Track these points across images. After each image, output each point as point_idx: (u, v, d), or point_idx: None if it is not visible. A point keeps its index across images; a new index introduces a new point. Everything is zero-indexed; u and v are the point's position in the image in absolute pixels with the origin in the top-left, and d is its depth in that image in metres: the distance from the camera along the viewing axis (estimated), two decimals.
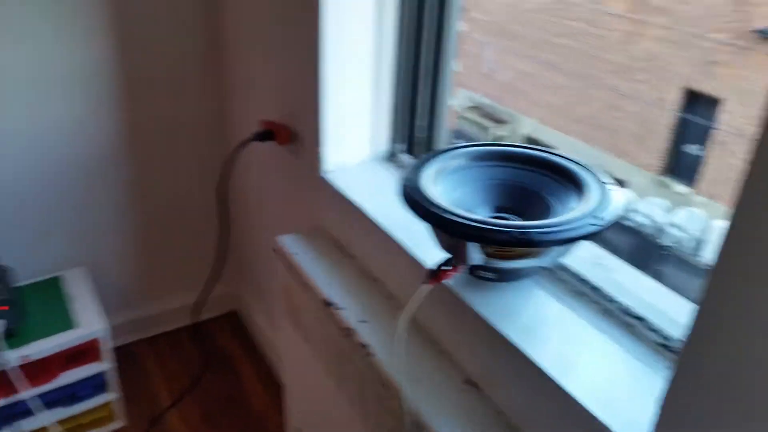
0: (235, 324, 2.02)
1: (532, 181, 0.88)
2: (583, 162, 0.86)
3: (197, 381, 1.62)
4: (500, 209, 0.88)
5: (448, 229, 0.76)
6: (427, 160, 0.89)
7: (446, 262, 0.83)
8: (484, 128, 10.28)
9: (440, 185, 0.85)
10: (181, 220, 1.86)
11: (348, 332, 0.98)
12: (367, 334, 0.97)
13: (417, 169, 0.86)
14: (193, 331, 1.90)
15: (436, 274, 0.82)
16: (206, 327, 1.99)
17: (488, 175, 0.90)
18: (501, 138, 9.84)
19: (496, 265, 0.83)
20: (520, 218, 0.86)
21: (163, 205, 1.82)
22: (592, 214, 0.74)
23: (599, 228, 0.73)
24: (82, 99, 1.58)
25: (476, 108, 10.53)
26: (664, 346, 0.75)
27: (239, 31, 1.52)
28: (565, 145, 9.69)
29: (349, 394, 1.03)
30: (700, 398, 0.56)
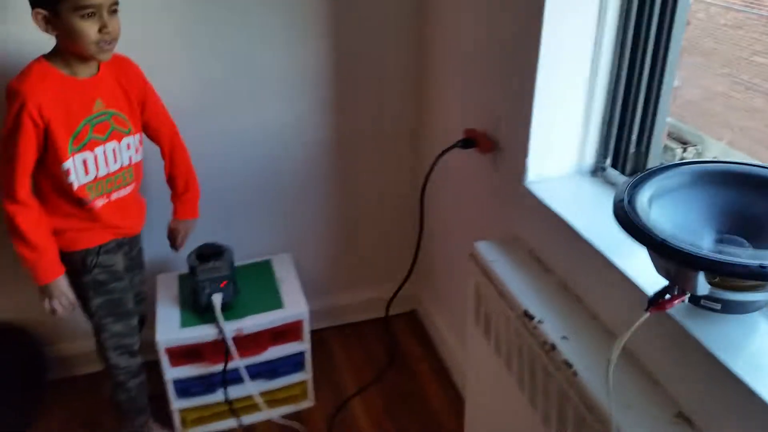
0: (414, 323, 2.10)
1: (762, 205, 0.81)
2: None
3: (382, 374, 1.69)
4: (726, 234, 0.82)
5: (672, 257, 0.72)
6: (644, 178, 0.85)
7: (666, 289, 0.79)
8: (668, 149, 9.58)
9: (658, 206, 0.81)
10: (380, 220, 1.98)
11: (550, 347, 0.98)
12: (570, 351, 0.95)
13: (632, 187, 0.83)
14: (379, 326, 1.98)
15: (659, 303, 0.78)
16: (389, 323, 2.07)
17: (712, 196, 0.84)
18: (684, 159, 9.11)
19: (722, 296, 0.78)
20: (749, 245, 0.80)
21: (364, 204, 1.94)
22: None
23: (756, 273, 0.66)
24: (303, 100, 1.74)
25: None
26: None
27: (449, 39, 1.57)
28: None
29: (544, 412, 1.02)
30: None
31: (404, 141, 1.88)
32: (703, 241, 0.77)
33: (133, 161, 1.39)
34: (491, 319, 1.19)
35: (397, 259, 1.81)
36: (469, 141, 1.36)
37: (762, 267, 0.68)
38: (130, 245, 1.50)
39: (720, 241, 0.81)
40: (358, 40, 1.71)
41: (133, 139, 1.37)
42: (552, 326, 1.01)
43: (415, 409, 1.76)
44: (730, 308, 0.81)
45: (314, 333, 1.89)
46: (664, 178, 0.85)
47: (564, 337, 0.98)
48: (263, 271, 1.77)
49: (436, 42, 1.66)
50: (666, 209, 0.82)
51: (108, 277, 1.41)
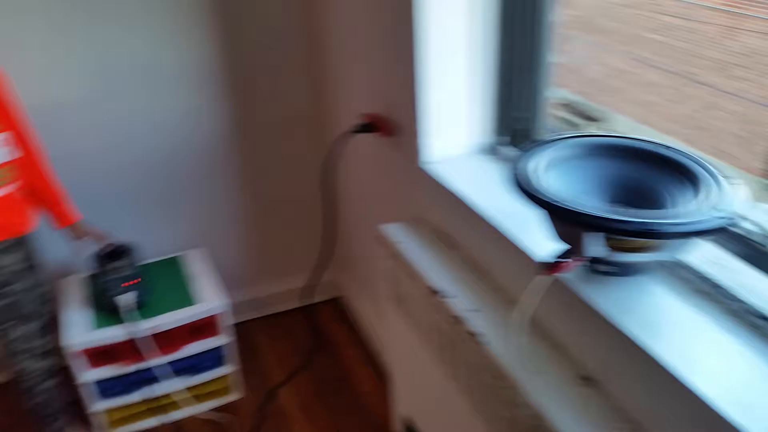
0: (339, 309, 2.11)
1: (646, 175, 0.86)
2: (698, 157, 0.85)
3: (308, 361, 1.70)
4: (613, 201, 0.87)
5: (570, 218, 0.76)
6: (535, 150, 0.89)
7: (564, 254, 0.82)
8: (576, 126, 10.02)
9: (552, 175, 0.85)
10: (290, 208, 1.96)
11: (457, 320, 1.00)
12: (477, 322, 0.98)
13: (526, 158, 0.87)
14: (303, 314, 1.98)
15: (553, 266, 0.81)
16: (314, 310, 2.08)
17: (601, 167, 0.89)
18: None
19: (615, 258, 0.83)
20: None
21: (272, 194, 1.92)
22: (714, 208, 0.72)
23: (726, 222, 0.71)
24: (192, 93, 1.71)
25: (566, 105, 10.29)
26: None
27: (338, 28, 1.58)
28: None
29: (458, 382, 1.05)
30: None
31: (308, 128, 1.87)
32: (598, 205, 0.81)
33: (9, 159, 1.31)
34: (405, 299, 1.21)
35: (317, 248, 1.82)
36: (368, 125, 1.37)
37: (650, 224, 0.72)
38: (23, 245, 1.41)
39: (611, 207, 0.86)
40: (248, 27, 1.68)
41: (2, 138, 1.30)
42: (458, 300, 1.04)
43: (344, 393, 1.78)
44: (622, 271, 0.86)
45: (238, 325, 1.87)
46: (556, 150, 0.89)
47: (471, 310, 1.01)
48: (175, 267, 1.73)
49: (330, 28, 1.65)
50: (558, 178, 0.85)
51: (3, 280, 1.34)
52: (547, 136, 0.95)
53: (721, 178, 0.81)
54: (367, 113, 1.42)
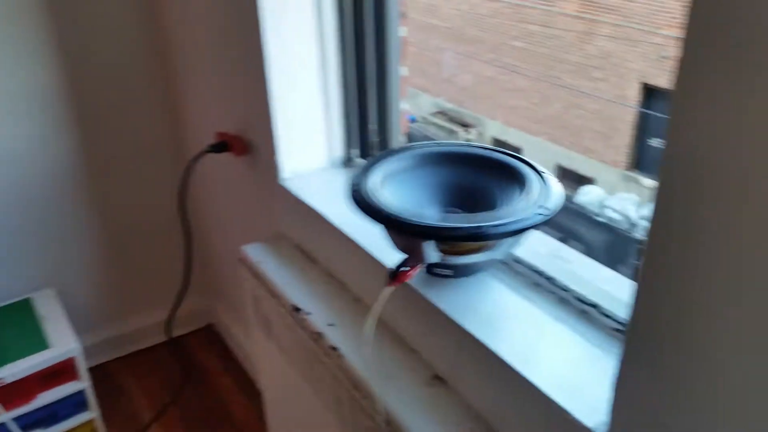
0: (211, 337, 2.03)
1: (477, 179, 0.90)
2: (522, 156, 0.90)
3: (177, 395, 1.62)
4: (449, 207, 0.90)
5: (402, 229, 0.78)
6: (373, 163, 0.91)
7: (404, 263, 0.84)
8: (452, 132, 10.41)
9: (388, 187, 0.87)
10: (147, 237, 1.86)
11: (317, 336, 1.00)
12: (336, 336, 0.98)
13: (364, 172, 0.88)
14: (171, 347, 1.89)
15: (396, 276, 0.84)
16: (183, 342, 1.99)
17: (435, 175, 0.92)
18: (469, 141, 9.99)
19: (451, 262, 0.86)
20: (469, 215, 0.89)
21: (126, 223, 1.82)
22: (537, 205, 0.77)
23: (546, 217, 0.76)
24: (33, 122, 1.59)
25: (442, 113, 10.66)
26: (619, 330, 0.78)
27: (185, 47, 1.53)
28: (530, 145, 9.83)
29: (325, 398, 1.05)
30: (647, 377, 0.59)
31: (161, 152, 1.79)
32: (428, 214, 0.84)
33: None
34: (269, 319, 1.19)
35: (179, 276, 1.74)
36: (221, 145, 1.34)
37: (473, 227, 0.76)
38: None
39: (444, 213, 0.89)
40: (91, 47, 1.59)
41: None
42: (319, 315, 1.03)
43: (218, 425, 1.71)
44: (460, 272, 0.89)
45: (100, 367, 1.75)
46: (392, 162, 0.91)
47: (331, 324, 1.01)
48: (23, 310, 1.59)
49: (179, 45, 1.60)
50: (395, 190, 0.88)
51: None
52: (390, 149, 0.98)
53: (546, 176, 0.86)
54: (220, 132, 1.38)
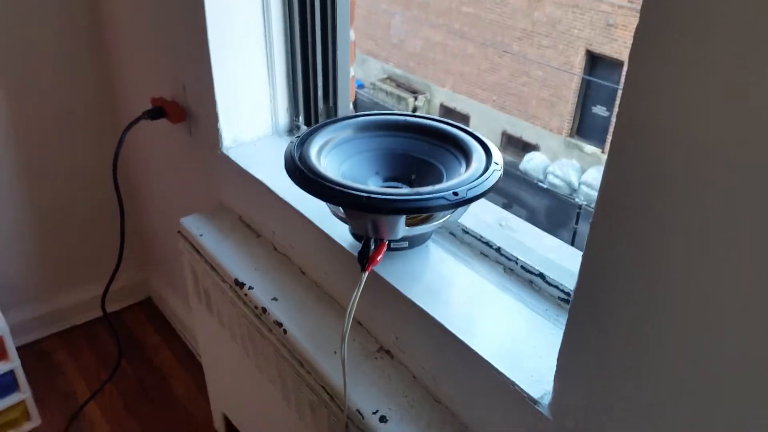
0: (150, 311, 1.96)
1: (422, 150, 0.88)
2: (469, 129, 0.87)
3: (114, 371, 1.56)
4: (393, 179, 0.88)
5: (374, 208, 0.73)
6: (312, 132, 0.86)
7: (367, 243, 0.79)
8: (401, 99, 10.36)
9: (327, 158, 0.83)
10: (81, 210, 1.76)
11: (260, 311, 0.97)
12: (280, 311, 0.95)
13: (302, 142, 0.84)
14: (109, 322, 1.81)
15: (369, 259, 0.78)
16: (120, 316, 1.92)
17: (377, 145, 0.89)
18: (417, 107, 9.96)
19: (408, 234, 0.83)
20: (409, 187, 0.86)
21: (58, 196, 1.71)
22: (454, 189, 0.74)
23: (449, 203, 0.73)
24: None
25: (390, 79, 10.58)
26: (565, 300, 0.78)
27: (120, 7, 1.43)
28: (477, 112, 9.93)
29: (268, 372, 1.02)
30: (592, 347, 0.59)
31: (93, 120, 1.67)
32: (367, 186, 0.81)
33: None
34: (209, 293, 1.15)
35: (115, 249, 1.66)
36: (156, 111, 1.26)
37: (369, 198, 0.72)
38: None
39: (385, 186, 0.86)
40: (9, 4, 1.45)
41: None
42: (262, 290, 1.00)
43: (159, 399, 1.67)
44: (414, 242, 0.88)
45: (32, 345, 1.67)
46: (330, 132, 0.87)
47: (274, 299, 0.98)
48: None
49: (112, 7, 1.50)
50: (334, 160, 0.84)
51: None
52: (330, 118, 0.93)
53: (490, 146, 0.84)
54: (155, 98, 1.31)
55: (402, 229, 0.79)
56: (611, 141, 0.50)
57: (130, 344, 1.83)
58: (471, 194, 0.74)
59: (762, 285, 0.44)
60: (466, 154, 0.83)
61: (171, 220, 1.56)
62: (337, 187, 0.74)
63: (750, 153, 0.42)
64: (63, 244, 1.78)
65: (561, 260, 0.83)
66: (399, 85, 10.42)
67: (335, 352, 0.87)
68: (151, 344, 1.84)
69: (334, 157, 0.84)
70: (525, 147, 9.06)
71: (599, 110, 8.52)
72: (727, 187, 0.44)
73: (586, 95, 8.60)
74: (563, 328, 0.62)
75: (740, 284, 0.45)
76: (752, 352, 0.46)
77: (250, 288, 1.00)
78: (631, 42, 0.46)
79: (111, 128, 1.69)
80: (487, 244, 0.88)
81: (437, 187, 0.76)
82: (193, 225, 1.16)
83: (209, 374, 1.41)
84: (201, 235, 1.14)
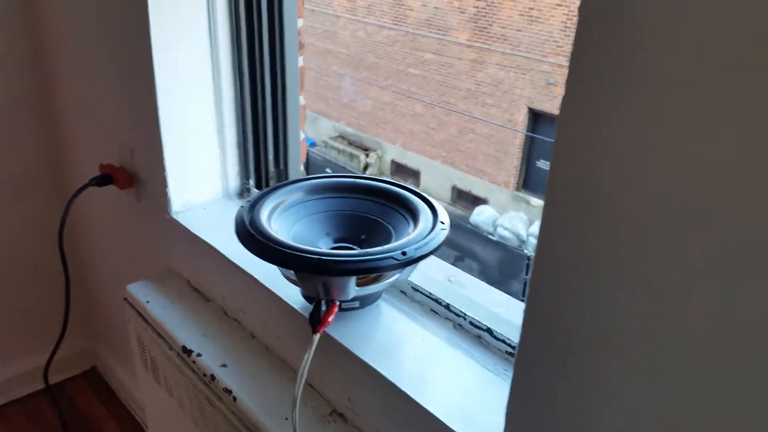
0: (94, 381, 1.88)
1: (371, 210, 0.90)
2: (417, 190, 0.90)
3: None
4: (343, 239, 0.89)
5: (324, 269, 0.74)
6: (263, 196, 0.88)
7: (318, 305, 0.80)
8: (353, 156, 10.50)
9: (278, 221, 0.84)
10: (23, 278, 1.70)
11: (210, 378, 0.95)
12: (229, 378, 0.94)
13: (252, 206, 0.85)
14: (52, 394, 1.72)
15: (321, 321, 0.79)
16: (63, 388, 1.82)
17: (327, 207, 0.91)
18: (369, 164, 10.11)
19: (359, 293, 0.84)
20: (359, 248, 0.88)
21: (2, 263, 1.66)
22: (402, 248, 0.76)
23: (398, 263, 0.75)
24: None
25: (342, 137, 10.74)
26: (511, 353, 0.80)
27: (67, 72, 1.44)
28: (428, 168, 10.12)
29: None
30: (536, 400, 0.60)
31: (40, 186, 1.64)
32: (318, 248, 0.82)
33: None
34: (156, 362, 1.12)
35: (58, 318, 1.60)
36: (105, 177, 1.25)
37: (320, 261, 0.74)
38: None
39: (335, 247, 0.88)
40: None
41: None
42: (211, 356, 0.98)
43: None
44: (365, 302, 0.88)
45: None
46: (281, 194, 0.89)
47: (223, 365, 0.96)
48: None
49: (57, 72, 1.50)
50: (284, 223, 0.85)
51: None
52: (281, 182, 0.95)
53: (436, 206, 0.87)
54: (103, 164, 1.30)
55: (353, 289, 0.80)
56: (546, 195, 0.53)
57: (74, 417, 1.74)
58: (419, 253, 0.76)
59: (701, 327, 0.46)
60: (413, 214, 0.85)
61: (117, 286, 1.52)
62: (288, 251, 0.75)
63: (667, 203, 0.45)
64: (4, 312, 1.71)
65: (508, 314, 0.85)
66: (351, 143, 10.58)
67: (286, 419, 0.86)
68: (97, 415, 1.75)
69: (285, 219, 0.86)
70: (475, 201, 9.26)
71: (543, 164, 8.82)
72: (658, 235, 0.47)
73: (531, 150, 8.90)
74: (509, 381, 0.63)
75: (685, 330, 0.47)
76: (701, 399, 0.48)
77: (198, 355, 0.99)
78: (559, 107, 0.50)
79: (57, 195, 1.65)
80: (437, 301, 0.89)
81: (386, 247, 0.77)
82: (140, 291, 1.14)
83: None
84: (148, 302, 1.12)
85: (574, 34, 0.47)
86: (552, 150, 0.51)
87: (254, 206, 0.85)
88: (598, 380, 0.54)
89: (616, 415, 0.53)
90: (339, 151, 10.60)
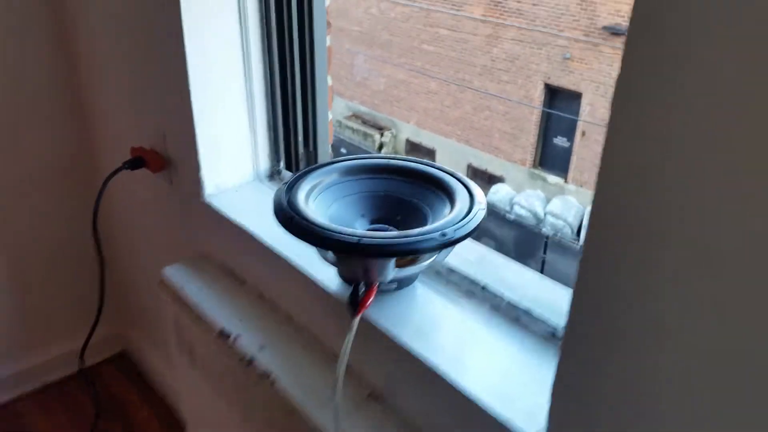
0: (126, 366, 1.91)
1: (406, 191, 0.89)
2: (451, 170, 0.89)
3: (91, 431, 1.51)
4: (379, 221, 0.89)
5: (364, 251, 0.74)
6: (299, 178, 0.88)
7: (357, 286, 0.79)
8: (367, 135, 10.46)
9: (314, 202, 0.84)
10: (58, 263, 1.73)
11: (248, 362, 0.96)
12: (268, 360, 0.94)
13: (290, 188, 0.85)
14: (85, 378, 1.75)
15: (359, 304, 0.78)
16: (96, 372, 1.86)
17: (362, 188, 0.90)
18: (383, 144, 10.07)
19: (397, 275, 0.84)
20: (395, 229, 0.87)
21: (34, 250, 1.68)
22: (442, 229, 0.75)
23: (438, 243, 0.74)
24: None
25: (356, 116, 10.70)
26: (552, 335, 0.80)
27: (96, 54, 1.44)
28: (443, 147, 10.07)
29: (256, 426, 1.00)
30: (585, 382, 0.60)
31: (71, 170, 1.66)
32: (356, 230, 0.82)
33: None
34: (193, 346, 1.13)
35: (91, 303, 1.63)
36: (137, 161, 1.26)
37: (359, 243, 0.74)
38: None
39: (371, 228, 0.87)
40: None
41: None
42: (249, 339, 0.99)
43: None
44: (402, 284, 0.88)
45: (3, 407, 1.61)
46: (317, 176, 0.88)
47: (262, 347, 0.97)
48: None
49: (88, 50, 1.50)
50: (321, 204, 0.85)
51: None
52: (316, 163, 0.95)
53: (472, 187, 0.86)
54: (135, 147, 1.30)
55: (392, 271, 0.80)
56: (597, 176, 0.52)
57: (106, 402, 1.77)
58: (458, 234, 0.76)
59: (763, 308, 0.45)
60: (449, 195, 0.85)
61: (152, 270, 1.54)
62: (329, 233, 0.75)
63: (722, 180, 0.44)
64: (38, 297, 1.74)
65: (542, 294, 0.84)
66: (365, 122, 10.53)
67: (326, 401, 0.87)
68: (130, 401, 1.78)
69: (321, 201, 0.85)
70: (491, 179, 9.21)
71: (560, 141, 8.73)
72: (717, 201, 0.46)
73: (547, 127, 8.82)
74: (551, 362, 0.62)
75: (746, 307, 0.46)
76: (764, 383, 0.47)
77: (237, 337, 0.99)
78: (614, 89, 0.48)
79: (90, 179, 1.67)
80: (473, 282, 0.89)
81: (425, 228, 0.77)
82: (176, 275, 1.15)
83: (191, 429, 1.37)
84: (183, 285, 1.12)
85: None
86: (607, 131, 0.50)
87: (291, 188, 0.85)
88: (649, 366, 0.53)
89: (669, 402, 0.53)
90: (353, 130, 10.57)
